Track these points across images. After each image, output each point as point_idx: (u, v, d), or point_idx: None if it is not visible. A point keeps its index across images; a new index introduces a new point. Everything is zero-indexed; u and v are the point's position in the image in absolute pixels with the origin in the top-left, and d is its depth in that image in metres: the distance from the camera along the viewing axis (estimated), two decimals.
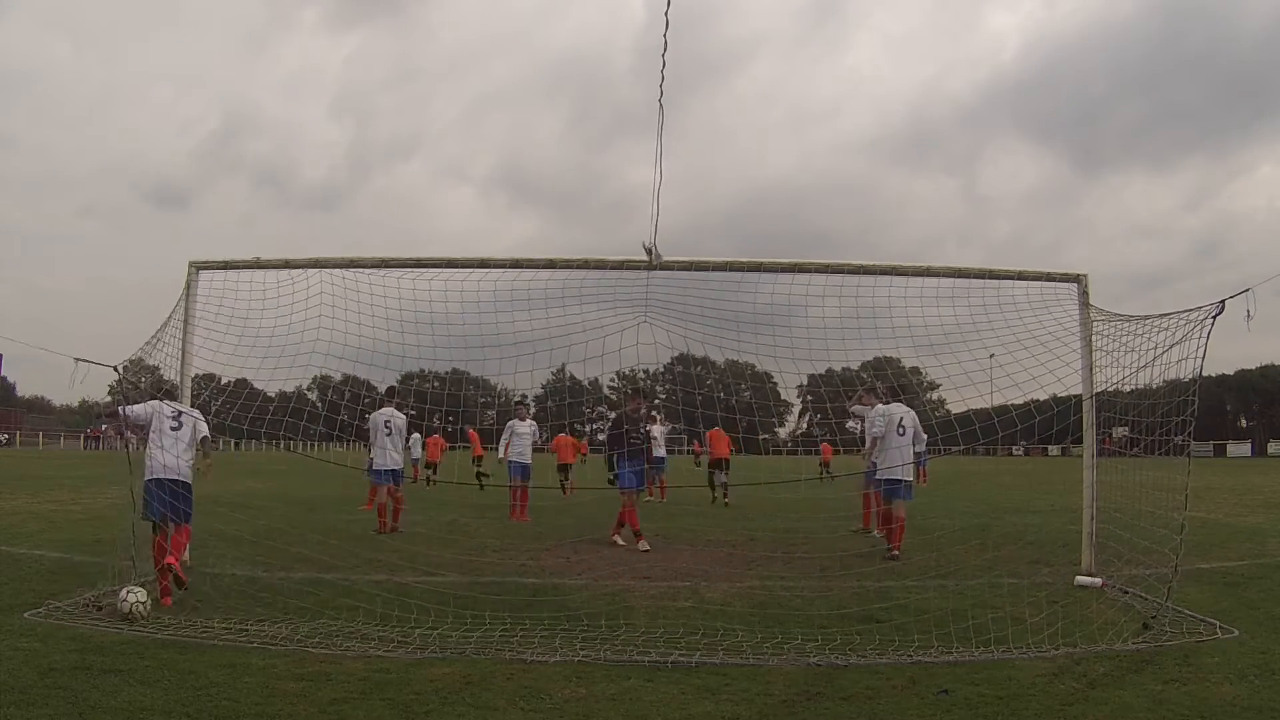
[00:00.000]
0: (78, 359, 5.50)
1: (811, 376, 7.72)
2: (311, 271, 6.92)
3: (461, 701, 3.77)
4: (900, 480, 8.35)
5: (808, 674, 4.27)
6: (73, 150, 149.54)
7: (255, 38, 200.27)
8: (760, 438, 9.20)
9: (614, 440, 9.20)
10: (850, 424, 10.33)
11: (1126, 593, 6.02)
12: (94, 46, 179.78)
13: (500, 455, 12.16)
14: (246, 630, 4.85)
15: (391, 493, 10.17)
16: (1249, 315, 4.93)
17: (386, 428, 10.05)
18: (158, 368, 6.78)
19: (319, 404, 8.12)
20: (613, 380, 12.57)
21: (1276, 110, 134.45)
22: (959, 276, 6.90)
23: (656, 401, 12.80)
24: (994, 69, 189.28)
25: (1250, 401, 73.35)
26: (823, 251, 61.01)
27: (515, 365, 7.05)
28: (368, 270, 6.95)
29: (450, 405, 10.48)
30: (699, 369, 8.87)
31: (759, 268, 6.79)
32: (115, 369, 5.85)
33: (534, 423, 12.05)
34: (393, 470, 10.13)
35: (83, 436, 55.50)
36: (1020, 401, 6.97)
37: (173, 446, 5.99)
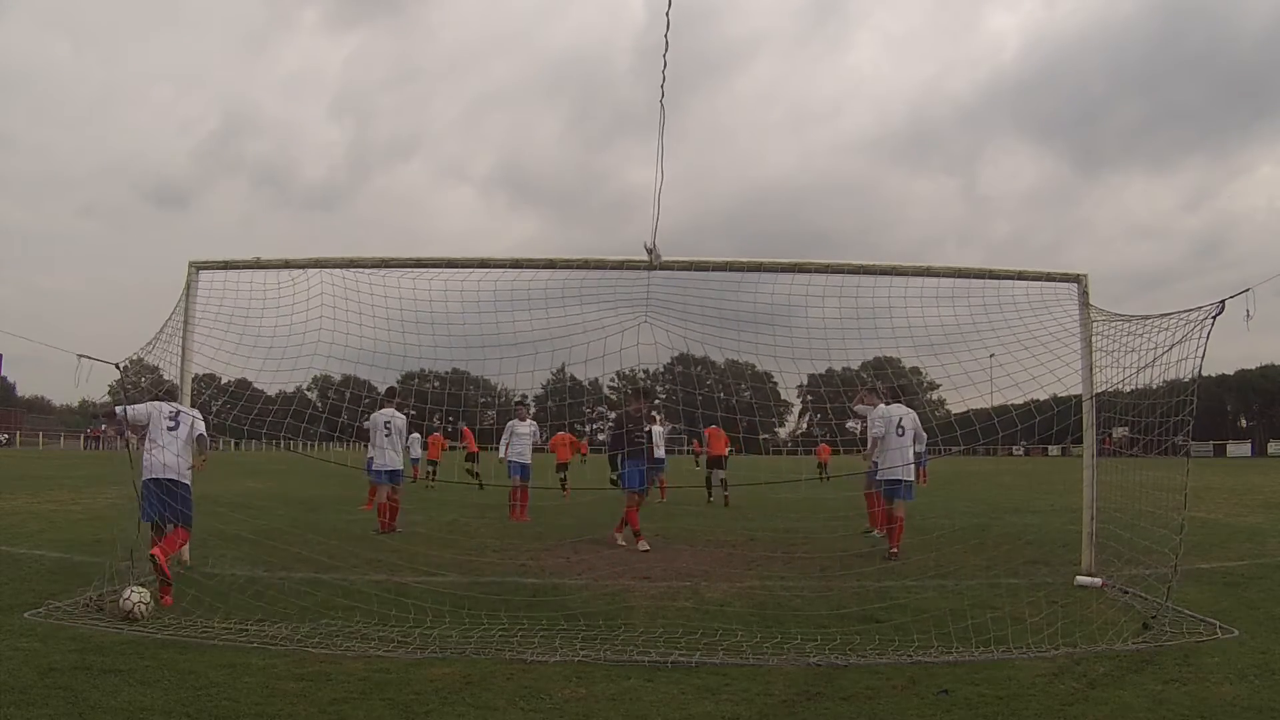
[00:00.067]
0: (81, 355, 5.51)
1: (811, 376, 7.72)
2: (311, 271, 6.91)
3: (461, 701, 3.77)
4: (900, 480, 8.35)
5: (808, 674, 4.27)
6: (73, 150, 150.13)
7: (255, 38, 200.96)
8: (760, 438, 9.19)
9: (616, 440, 9.20)
10: (850, 424, 10.33)
11: (1126, 593, 6.02)
12: (94, 46, 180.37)
13: (500, 455, 12.16)
14: (246, 630, 4.85)
15: (390, 494, 10.18)
16: (1249, 315, 4.94)
17: (386, 428, 10.05)
18: (158, 368, 6.78)
19: (319, 404, 8.12)
20: (613, 380, 12.61)
21: (1276, 110, 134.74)
22: (959, 276, 6.90)
23: (657, 402, 12.78)
24: (994, 69, 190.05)
25: (1250, 401, 73.34)
26: (823, 251, 61.17)
27: (515, 365, 7.04)
28: (368, 270, 6.94)
29: (450, 405, 10.47)
30: (699, 369, 8.88)
31: (759, 268, 6.79)
32: (118, 367, 5.86)
33: (534, 423, 12.03)
34: (392, 470, 10.14)
35: (83, 436, 55.56)
36: (1020, 401, 6.99)
37: (170, 445, 5.99)
